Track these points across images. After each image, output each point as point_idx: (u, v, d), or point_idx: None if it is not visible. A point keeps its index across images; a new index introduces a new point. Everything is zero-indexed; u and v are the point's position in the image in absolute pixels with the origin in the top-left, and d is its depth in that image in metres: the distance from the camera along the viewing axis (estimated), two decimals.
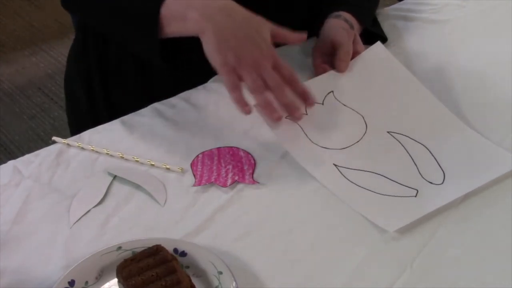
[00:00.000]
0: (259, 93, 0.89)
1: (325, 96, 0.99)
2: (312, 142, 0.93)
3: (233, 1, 0.93)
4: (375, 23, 1.16)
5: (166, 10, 0.92)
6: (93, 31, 1.15)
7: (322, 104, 0.98)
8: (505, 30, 1.18)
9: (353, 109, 0.98)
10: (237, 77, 0.89)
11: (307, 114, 0.95)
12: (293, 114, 0.93)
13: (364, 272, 0.76)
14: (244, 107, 0.89)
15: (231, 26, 0.90)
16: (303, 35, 0.97)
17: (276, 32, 0.94)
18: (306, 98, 0.94)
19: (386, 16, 1.22)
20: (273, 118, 0.91)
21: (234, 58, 0.88)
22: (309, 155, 0.91)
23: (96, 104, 1.18)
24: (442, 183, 0.86)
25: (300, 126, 0.94)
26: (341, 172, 0.89)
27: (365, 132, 0.95)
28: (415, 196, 0.85)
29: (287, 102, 0.91)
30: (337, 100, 0.99)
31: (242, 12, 0.92)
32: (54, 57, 2.73)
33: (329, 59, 1.04)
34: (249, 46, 0.89)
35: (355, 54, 1.04)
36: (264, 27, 0.93)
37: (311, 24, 1.11)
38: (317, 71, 1.04)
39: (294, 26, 1.00)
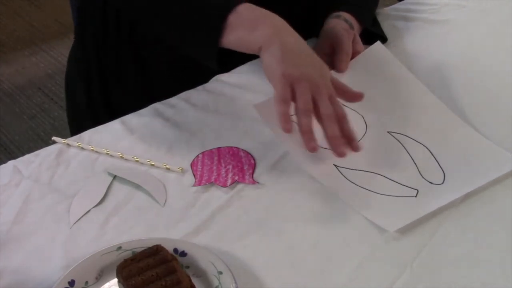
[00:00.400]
0: (305, 116, 0.86)
1: None
2: None
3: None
4: (375, 23, 1.16)
5: (236, 18, 0.90)
6: (93, 31, 1.15)
7: None
8: (505, 30, 1.18)
9: (353, 109, 0.97)
10: (291, 93, 0.86)
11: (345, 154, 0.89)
12: (335, 150, 0.87)
13: (364, 272, 0.76)
14: (287, 124, 0.85)
15: (298, 46, 0.90)
16: (360, 95, 0.95)
17: (335, 82, 0.93)
18: (351, 141, 0.89)
19: (386, 16, 1.22)
20: (309, 146, 0.86)
21: (295, 72, 0.86)
22: (309, 156, 0.91)
23: (96, 104, 1.18)
24: (442, 183, 0.86)
25: None
26: (341, 172, 0.89)
27: (365, 132, 0.95)
28: (415, 196, 0.85)
29: (334, 135, 0.87)
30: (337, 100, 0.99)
31: (306, 45, 0.92)
32: (54, 57, 2.73)
33: (329, 59, 1.04)
34: (312, 69, 0.88)
35: (355, 54, 1.05)
36: (326, 66, 0.92)
37: (311, 25, 1.11)
38: None
39: (294, 27, 1.01)
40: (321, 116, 0.87)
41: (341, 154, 0.87)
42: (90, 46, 1.17)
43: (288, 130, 0.85)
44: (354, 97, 0.94)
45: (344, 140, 0.88)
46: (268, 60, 0.88)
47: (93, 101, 1.18)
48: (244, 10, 0.91)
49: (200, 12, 0.92)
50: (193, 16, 0.93)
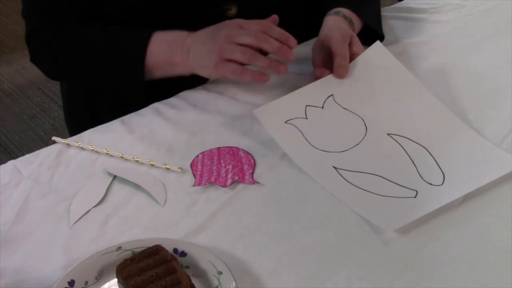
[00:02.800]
0: (255, 60, 0.95)
1: (325, 100, 0.99)
2: (312, 145, 0.93)
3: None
4: (377, 18, 1.15)
5: (151, 60, 1.00)
6: None
7: (322, 108, 0.98)
8: (505, 30, 1.18)
9: (353, 112, 0.97)
10: (234, 63, 0.95)
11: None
12: (285, 57, 0.95)
13: (364, 272, 0.76)
14: (262, 77, 0.96)
15: (199, 40, 0.99)
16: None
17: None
18: (287, 40, 0.96)
19: (385, 16, 1.22)
20: (281, 70, 0.96)
21: (216, 53, 0.95)
22: (308, 158, 0.91)
23: (95, 104, 1.18)
24: (442, 184, 0.86)
25: (300, 130, 0.94)
26: (340, 174, 0.88)
27: (365, 135, 0.95)
28: (415, 197, 0.85)
29: (276, 48, 0.95)
30: (337, 103, 0.99)
31: (210, 27, 1.00)
32: None
33: (329, 59, 1.03)
34: (216, 35, 0.97)
35: (354, 55, 1.03)
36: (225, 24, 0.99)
37: (312, 22, 1.10)
38: (315, 71, 1.04)
39: (296, 25, 1.01)
40: (254, 46, 0.95)
41: (291, 59, 0.95)
42: None
43: (283, 70, 0.96)
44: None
45: (282, 41, 0.96)
46: (205, 74, 1.01)
47: (92, 100, 1.18)
48: (154, 49, 1.00)
49: (117, 68, 1.03)
50: (113, 72, 1.03)
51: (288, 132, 0.94)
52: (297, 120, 0.96)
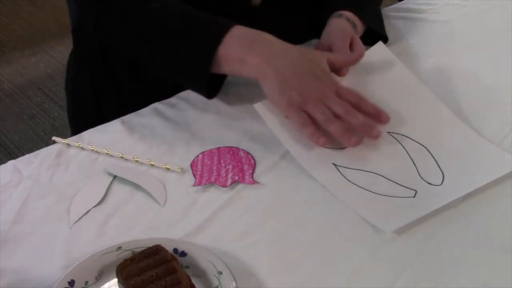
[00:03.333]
0: (331, 124, 0.89)
1: None
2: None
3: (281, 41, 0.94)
4: (380, 20, 1.15)
5: (225, 51, 0.92)
6: (89, 47, 1.15)
7: None
8: (505, 30, 1.18)
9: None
10: (305, 114, 0.89)
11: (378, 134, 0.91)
12: (370, 135, 0.90)
13: (364, 272, 0.76)
14: (319, 140, 0.89)
15: (290, 66, 0.91)
16: (361, 53, 0.99)
17: (332, 59, 0.96)
18: (379, 115, 0.92)
19: (386, 16, 1.22)
20: (351, 144, 0.89)
21: (298, 96, 0.89)
22: (308, 154, 0.91)
23: (102, 104, 1.18)
24: (441, 184, 0.86)
25: None
26: (340, 172, 0.88)
27: None
28: (414, 197, 0.84)
29: (361, 124, 0.89)
30: None
31: (297, 49, 0.94)
32: (54, 57, 2.73)
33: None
34: (310, 81, 0.91)
35: (356, 55, 1.03)
36: (321, 58, 0.94)
37: (317, 24, 1.11)
38: None
39: (301, 27, 1.01)
40: (341, 116, 0.89)
41: (376, 136, 0.90)
42: (87, 49, 1.17)
43: (322, 143, 0.88)
44: (354, 59, 0.99)
45: (373, 118, 0.91)
46: (270, 94, 0.92)
47: (99, 98, 1.18)
48: (232, 40, 0.92)
49: (189, 47, 0.94)
50: (183, 51, 0.95)
51: (288, 128, 0.94)
52: None
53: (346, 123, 0.89)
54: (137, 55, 1.04)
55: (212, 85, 0.97)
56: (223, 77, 1.00)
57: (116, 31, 1.01)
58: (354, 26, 1.06)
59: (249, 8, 1.02)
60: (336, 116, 0.89)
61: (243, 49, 0.92)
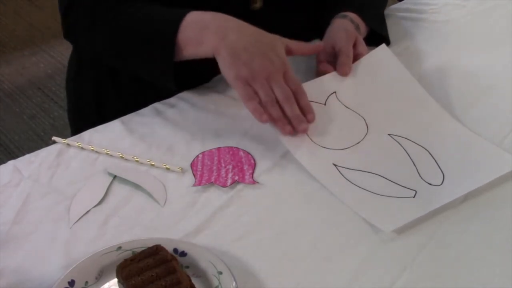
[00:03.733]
0: (270, 107, 0.91)
1: (328, 97, 0.99)
2: (313, 141, 0.93)
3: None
4: (383, 24, 1.15)
5: (183, 35, 0.95)
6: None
7: (325, 104, 0.98)
8: (505, 30, 1.18)
9: (355, 111, 0.98)
10: (251, 89, 0.92)
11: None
12: (297, 128, 0.92)
13: (364, 272, 0.76)
14: (261, 116, 0.91)
15: (243, 43, 0.93)
16: (319, 45, 1.02)
17: (291, 46, 0.98)
18: (306, 113, 0.93)
19: (386, 16, 1.22)
20: (284, 131, 0.91)
21: (246, 72, 0.91)
22: (309, 154, 0.91)
23: (103, 104, 1.18)
24: (441, 184, 0.86)
25: None
26: (340, 172, 0.89)
27: (366, 134, 0.95)
28: (413, 197, 0.84)
29: (293, 115, 0.92)
30: (340, 101, 0.99)
31: (253, 29, 0.95)
32: (54, 57, 2.73)
33: (333, 60, 1.04)
34: (260, 60, 0.92)
35: (358, 56, 1.04)
36: (277, 41, 0.96)
37: (317, 25, 1.11)
38: (320, 67, 1.04)
39: (302, 27, 1.01)
40: (279, 101, 0.92)
41: (303, 131, 0.92)
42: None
43: (264, 120, 0.91)
44: (312, 49, 1.01)
45: (301, 112, 0.93)
46: (222, 68, 0.93)
47: (100, 99, 1.18)
48: (188, 25, 0.95)
49: (148, 42, 0.97)
50: (144, 47, 0.98)
51: None
52: None
53: (282, 108, 0.92)
54: (106, 56, 1.06)
55: (179, 76, 0.99)
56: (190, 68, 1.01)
57: (85, 37, 1.06)
58: (357, 27, 1.06)
59: (250, 11, 1.03)
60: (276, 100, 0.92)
61: (199, 30, 0.95)
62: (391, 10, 1.26)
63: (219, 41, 0.94)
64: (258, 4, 1.07)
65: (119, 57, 1.03)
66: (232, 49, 0.93)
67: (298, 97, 0.93)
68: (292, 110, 0.92)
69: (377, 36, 1.11)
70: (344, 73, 1.01)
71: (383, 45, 1.06)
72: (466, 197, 0.84)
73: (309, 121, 0.93)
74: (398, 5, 1.28)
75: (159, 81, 1.00)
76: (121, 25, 1.00)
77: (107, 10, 1.01)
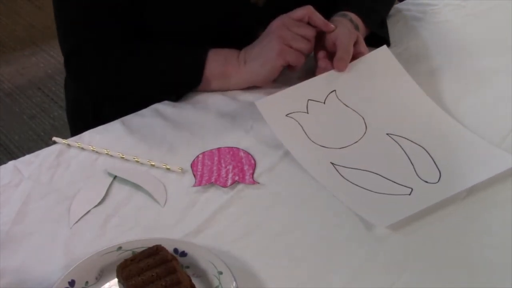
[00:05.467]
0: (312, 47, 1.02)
1: (327, 95, 0.99)
2: (311, 140, 0.93)
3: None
4: (383, 25, 1.15)
5: (208, 71, 1.02)
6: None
7: (324, 103, 0.98)
8: (505, 30, 1.18)
9: (354, 110, 0.98)
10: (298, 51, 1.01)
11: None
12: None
13: (364, 272, 0.76)
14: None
15: (259, 43, 1.02)
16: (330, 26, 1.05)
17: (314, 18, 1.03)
18: (327, 26, 1.02)
19: (386, 16, 1.22)
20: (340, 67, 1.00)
21: (278, 41, 0.99)
22: (307, 152, 0.91)
23: (99, 105, 1.18)
24: (438, 181, 0.86)
25: (300, 124, 0.95)
26: (337, 170, 0.89)
27: (365, 133, 0.95)
28: (409, 195, 0.85)
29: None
30: (339, 99, 0.99)
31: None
32: (54, 57, 2.73)
33: (332, 57, 1.04)
34: (275, 33, 1.00)
35: (358, 55, 1.04)
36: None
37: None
38: (320, 63, 1.04)
39: None
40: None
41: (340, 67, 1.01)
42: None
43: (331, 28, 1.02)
44: (325, 26, 1.04)
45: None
46: (265, 73, 1.02)
47: (96, 101, 1.18)
48: (211, 62, 1.02)
49: (176, 78, 1.04)
50: (168, 87, 1.04)
51: (288, 126, 0.94)
52: (298, 114, 0.96)
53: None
54: (123, 93, 1.10)
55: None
56: None
57: (97, 78, 1.08)
58: (356, 28, 1.06)
59: (253, 8, 1.03)
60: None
61: (222, 64, 1.02)
62: (391, 10, 1.25)
63: (244, 65, 1.02)
64: (261, 1, 1.07)
65: (138, 94, 1.07)
66: (256, 55, 1.01)
67: (312, 18, 1.01)
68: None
69: (377, 37, 1.11)
70: (340, 68, 1.01)
71: (384, 46, 1.06)
72: (467, 197, 0.84)
73: (328, 30, 1.02)
74: (398, 5, 1.28)
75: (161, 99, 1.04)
76: (141, 64, 1.04)
77: (117, 49, 1.04)
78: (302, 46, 1.00)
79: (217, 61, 1.02)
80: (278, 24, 1.01)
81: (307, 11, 1.01)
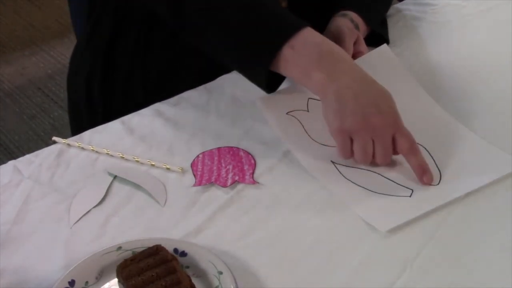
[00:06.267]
0: (361, 165, 0.88)
1: None
2: (312, 138, 0.93)
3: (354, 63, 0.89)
4: (383, 25, 1.15)
5: (290, 54, 0.87)
6: (100, 32, 1.15)
7: None
8: (505, 30, 1.18)
9: None
10: (350, 142, 0.86)
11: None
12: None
13: (364, 272, 0.76)
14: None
15: (353, 90, 0.85)
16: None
17: None
18: (420, 173, 0.86)
19: (386, 16, 1.22)
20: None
21: (351, 123, 0.84)
22: (307, 150, 0.91)
23: (96, 104, 1.18)
24: (438, 184, 0.86)
25: (301, 123, 0.95)
26: (338, 169, 0.89)
27: None
28: (410, 196, 0.85)
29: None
30: None
31: (364, 74, 0.88)
32: (54, 57, 2.73)
33: None
34: (369, 112, 0.84)
35: (358, 54, 1.04)
36: (389, 93, 0.88)
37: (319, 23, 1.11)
38: None
39: (314, 24, 1.00)
40: (376, 161, 0.87)
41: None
42: (93, 47, 1.17)
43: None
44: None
45: (414, 172, 0.86)
46: (326, 112, 0.87)
47: (93, 102, 1.18)
48: (301, 46, 0.87)
49: (256, 36, 0.89)
50: (248, 36, 0.90)
51: (288, 124, 0.94)
52: (299, 112, 0.96)
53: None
54: (199, 27, 0.95)
55: (272, 79, 0.93)
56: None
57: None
58: (356, 27, 1.06)
59: None
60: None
61: (310, 61, 0.87)
62: (391, 10, 1.25)
63: (327, 82, 0.85)
64: (283, 3, 1.07)
65: (215, 36, 0.94)
66: (341, 95, 0.85)
67: (409, 156, 0.86)
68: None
69: (377, 36, 1.11)
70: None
71: (385, 45, 1.06)
72: (467, 197, 0.84)
73: (425, 183, 0.85)
74: (399, 5, 1.28)
75: (250, 79, 0.94)
76: (233, 12, 0.91)
77: None
78: (359, 155, 0.86)
79: (307, 50, 0.86)
80: (374, 121, 0.84)
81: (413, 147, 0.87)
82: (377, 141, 0.85)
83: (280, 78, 0.96)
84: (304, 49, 0.87)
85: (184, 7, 0.93)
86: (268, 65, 0.89)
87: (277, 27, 0.89)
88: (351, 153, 0.87)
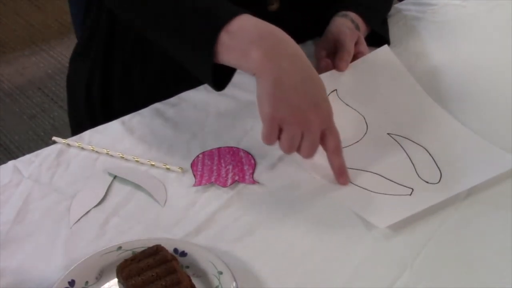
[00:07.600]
0: (285, 153, 0.86)
1: (328, 95, 0.99)
2: None
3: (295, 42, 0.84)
4: (384, 25, 1.16)
5: (228, 38, 0.83)
6: (99, 31, 1.15)
7: None
8: (505, 30, 1.18)
9: (355, 109, 0.98)
10: (278, 130, 0.83)
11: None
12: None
13: (364, 272, 0.76)
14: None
15: (294, 78, 0.81)
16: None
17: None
18: (338, 175, 0.86)
19: (387, 16, 1.22)
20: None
21: (285, 113, 0.81)
22: None
23: (96, 105, 1.18)
24: (438, 182, 0.86)
25: None
26: None
27: (366, 133, 0.95)
28: (410, 195, 0.85)
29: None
30: (340, 99, 0.99)
31: (306, 61, 0.84)
32: (54, 57, 2.73)
33: (332, 57, 1.04)
34: (305, 105, 0.82)
35: (359, 55, 1.04)
36: (324, 86, 0.85)
37: (319, 23, 1.11)
38: (319, 64, 1.04)
39: (306, 26, 1.00)
40: (300, 153, 0.85)
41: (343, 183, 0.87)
42: (94, 47, 1.17)
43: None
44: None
45: (333, 172, 0.87)
46: (259, 93, 0.83)
47: (93, 101, 1.18)
48: (238, 30, 0.83)
49: (193, 27, 0.87)
50: (187, 30, 0.87)
51: None
52: None
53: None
54: (143, 23, 0.95)
55: (221, 76, 0.89)
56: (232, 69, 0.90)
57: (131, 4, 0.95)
58: (357, 27, 1.06)
59: (266, 13, 1.02)
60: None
61: (249, 40, 0.83)
62: (391, 10, 1.25)
63: (266, 62, 0.81)
64: (275, 5, 1.07)
65: (156, 30, 0.93)
66: (280, 81, 0.81)
67: (333, 156, 0.85)
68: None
69: (377, 36, 1.11)
70: (341, 68, 1.01)
71: (385, 46, 1.06)
72: (467, 197, 0.84)
73: (341, 184, 0.86)
74: (398, 5, 1.28)
75: (198, 75, 0.91)
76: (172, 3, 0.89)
77: None
78: (286, 142, 0.84)
79: (245, 31, 0.83)
80: (309, 115, 0.82)
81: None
82: (306, 136, 0.82)
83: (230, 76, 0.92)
84: (242, 32, 0.83)
85: (126, 2, 0.94)
86: (210, 55, 0.84)
87: (214, 15, 0.86)
88: (274, 140, 0.83)
